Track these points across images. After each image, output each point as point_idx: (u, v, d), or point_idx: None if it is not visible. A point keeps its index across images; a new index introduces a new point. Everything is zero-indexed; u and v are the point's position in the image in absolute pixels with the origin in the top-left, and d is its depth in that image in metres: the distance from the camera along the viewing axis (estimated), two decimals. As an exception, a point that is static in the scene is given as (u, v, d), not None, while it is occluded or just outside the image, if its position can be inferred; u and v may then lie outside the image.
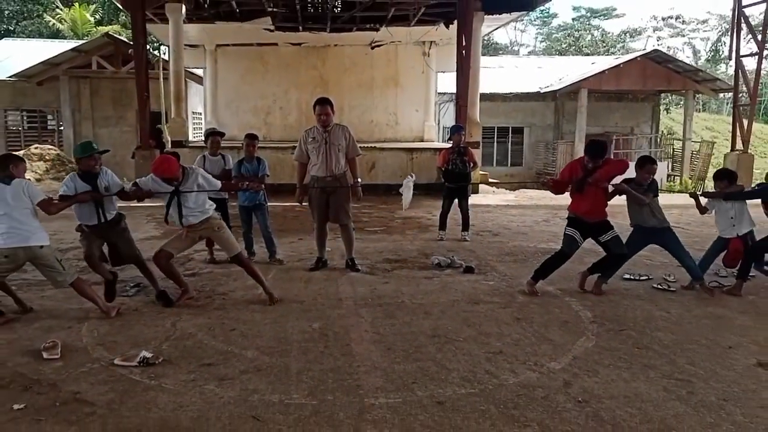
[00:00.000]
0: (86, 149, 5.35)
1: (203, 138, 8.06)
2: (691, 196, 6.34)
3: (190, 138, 16.87)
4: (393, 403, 3.53)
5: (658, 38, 55.30)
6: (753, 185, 6.42)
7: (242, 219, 7.29)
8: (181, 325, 4.93)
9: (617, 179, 5.83)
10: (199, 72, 20.90)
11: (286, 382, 3.83)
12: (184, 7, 14.52)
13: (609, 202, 5.85)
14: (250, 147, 7.17)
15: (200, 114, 22.50)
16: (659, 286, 6.19)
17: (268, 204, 7.45)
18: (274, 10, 15.96)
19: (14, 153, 5.20)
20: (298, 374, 3.95)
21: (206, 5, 15.45)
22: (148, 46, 15.08)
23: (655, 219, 5.98)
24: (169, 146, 14.68)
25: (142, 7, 13.68)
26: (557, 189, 5.95)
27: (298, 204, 6.96)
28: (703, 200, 6.37)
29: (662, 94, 26.30)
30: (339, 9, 16.33)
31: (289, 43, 19.24)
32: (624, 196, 5.92)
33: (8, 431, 3.21)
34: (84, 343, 4.52)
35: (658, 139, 25.29)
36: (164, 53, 19.36)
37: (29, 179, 5.00)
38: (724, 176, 6.17)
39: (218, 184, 5.81)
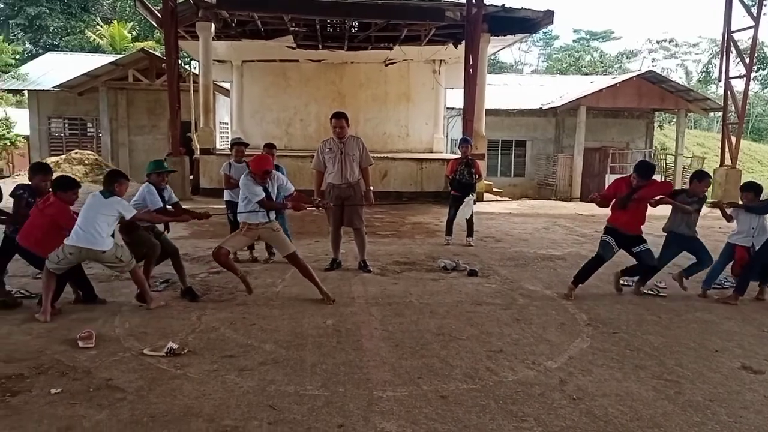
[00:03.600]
0: (158, 166, 5.70)
1: (229, 146, 8.12)
2: (715, 206, 6.25)
3: (217, 146, 16.97)
4: (400, 396, 3.52)
5: (653, 60, 54.87)
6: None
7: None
8: (206, 319, 4.95)
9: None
10: (227, 85, 21.04)
11: (301, 374, 3.83)
12: (213, 26, 14.64)
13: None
14: (269, 155, 7.20)
15: (227, 124, 22.63)
16: (650, 292, 6.13)
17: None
18: (296, 29, 16.04)
19: (120, 171, 5.43)
20: (313, 367, 3.95)
21: (234, 24, 15.55)
22: (179, 61, 15.19)
23: (687, 228, 6.02)
24: (198, 153, 14.78)
25: (175, 25, 13.80)
26: (603, 203, 5.98)
27: (315, 208, 6.97)
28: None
29: (656, 112, 26.09)
30: (356, 29, 16.39)
31: (309, 59, 19.33)
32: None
33: (46, 413, 3.23)
34: (116, 333, 4.55)
35: (652, 154, 25.09)
36: (195, 68, 19.50)
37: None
38: (751, 188, 6.08)
39: (292, 188, 5.87)
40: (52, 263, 4.86)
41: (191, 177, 14.67)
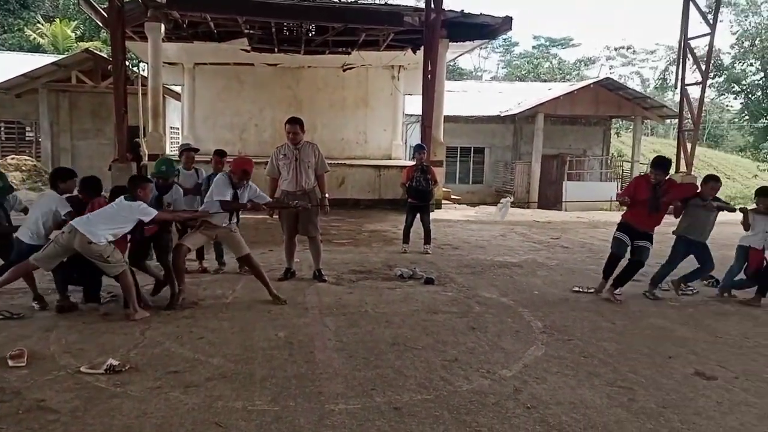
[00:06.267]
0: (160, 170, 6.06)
1: (178, 153, 7.95)
2: (741, 211, 6.55)
3: (167, 152, 16.65)
4: (352, 409, 3.50)
5: (611, 67, 56.55)
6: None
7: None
8: (150, 333, 4.82)
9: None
10: (177, 89, 20.70)
11: (250, 388, 3.77)
12: (163, 27, 14.38)
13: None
14: (219, 164, 7.06)
15: (178, 129, 22.26)
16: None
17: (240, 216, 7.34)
18: (251, 32, 15.91)
19: (144, 176, 5.65)
20: (262, 381, 3.89)
21: (185, 25, 15.32)
22: (127, 63, 14.87)
23: (701, 234, 6.40)
24: (146, 159, 14.46)
25: (122, 25, 13.48)
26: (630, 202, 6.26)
27: (268, 217, 6.91)
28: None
29: (613, 119, 26.83)
30: (313, 33, 16.37)
31: (264, 63, 19.20)
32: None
33: (-30, 438, 3.09)
34: (51, 350, 4.38)
35: (609, 161, 25.79)
36: (143, 70, 19.11)
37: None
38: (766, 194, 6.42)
39: (266, 198, 6.17)
40: (36, 255, 5.04)
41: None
